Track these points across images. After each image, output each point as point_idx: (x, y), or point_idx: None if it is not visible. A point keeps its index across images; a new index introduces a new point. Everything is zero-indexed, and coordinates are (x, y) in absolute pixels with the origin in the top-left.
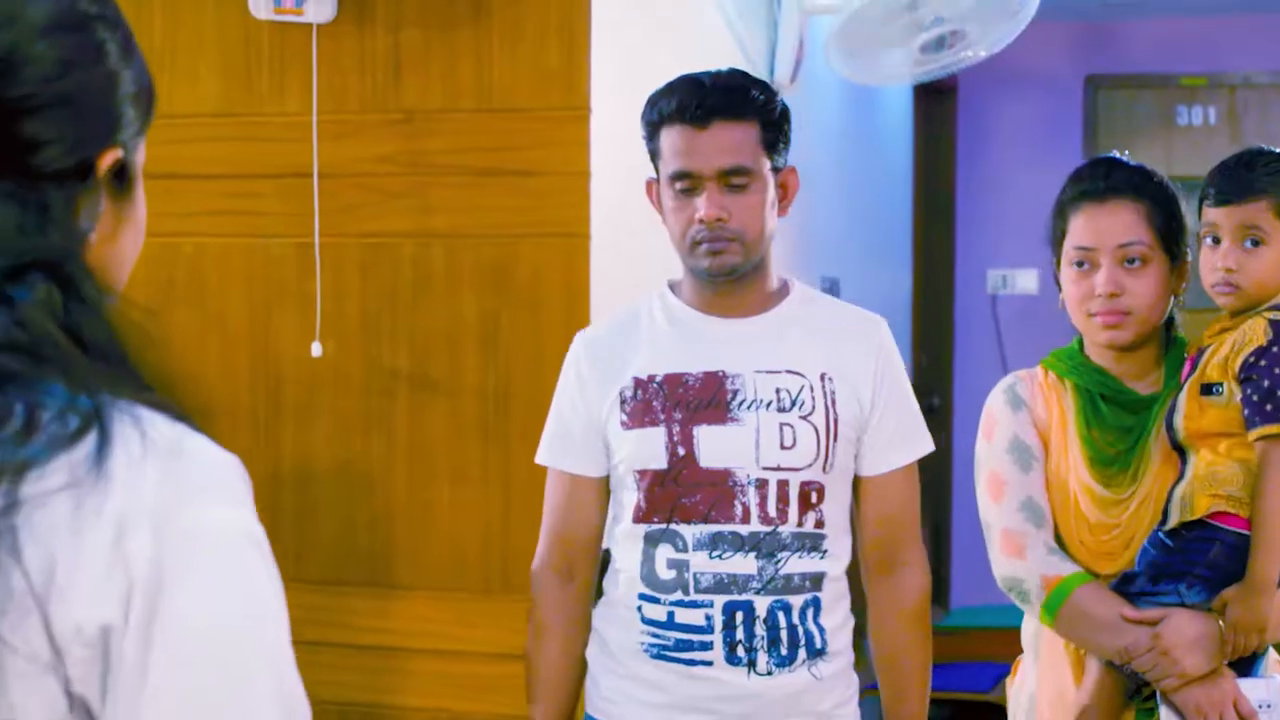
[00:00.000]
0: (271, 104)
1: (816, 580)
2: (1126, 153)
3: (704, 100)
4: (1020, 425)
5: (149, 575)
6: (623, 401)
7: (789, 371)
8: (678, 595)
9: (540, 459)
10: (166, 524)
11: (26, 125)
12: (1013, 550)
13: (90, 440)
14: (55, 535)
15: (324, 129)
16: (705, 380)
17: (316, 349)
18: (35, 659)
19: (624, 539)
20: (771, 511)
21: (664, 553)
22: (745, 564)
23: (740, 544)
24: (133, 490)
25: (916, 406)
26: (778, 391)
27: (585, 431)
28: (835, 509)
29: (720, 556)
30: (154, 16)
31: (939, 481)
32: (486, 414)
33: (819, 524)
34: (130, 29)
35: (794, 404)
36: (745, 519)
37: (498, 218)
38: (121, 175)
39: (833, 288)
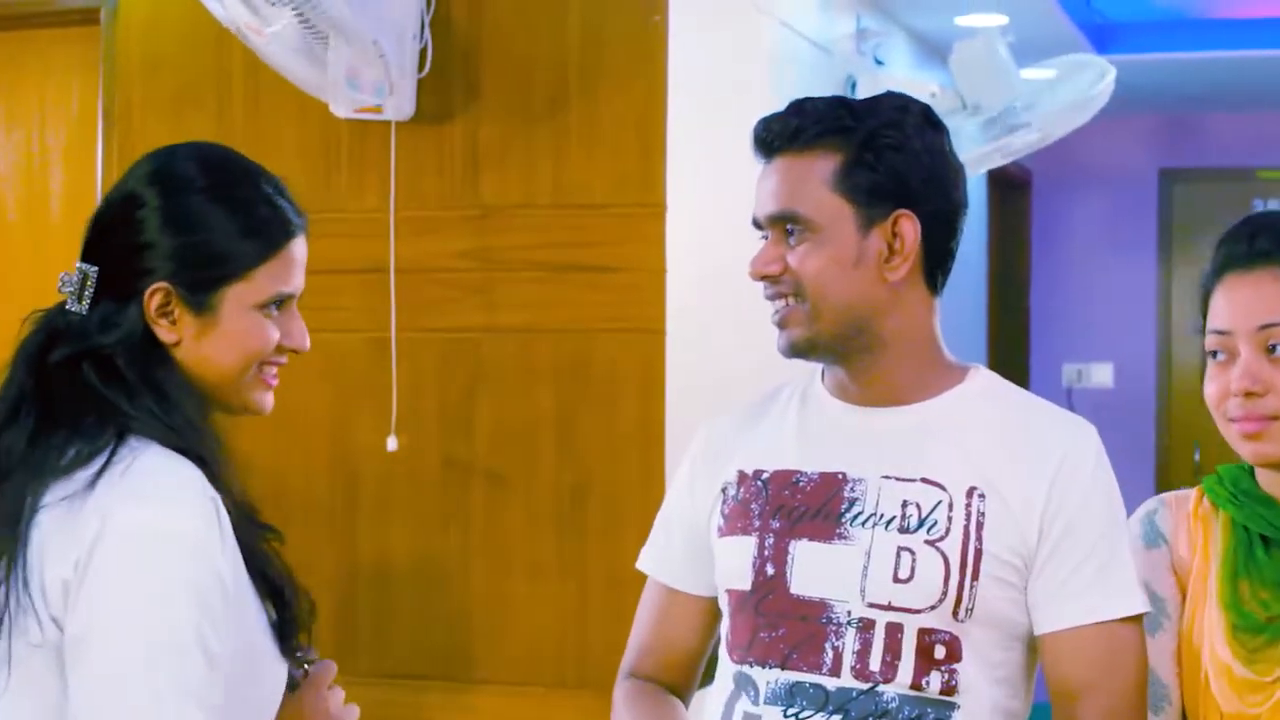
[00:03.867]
0: (350, 200)
1: None
2: None
3: (771, 124)
4: (1154, 569)
5: (90, 550)
6: (724, 500)
7: (925, 481)
8: None
9: (639, 564)
10: (109, 519)
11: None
12: None
13: (97, 465)
14: (52, 527)
15: (402, 225)
16: (820, 483)
17: (392, 443)
18: (34, 603)
19: (718, 679)
20: (873, 664)
21: (741, 705)
22: None
23: (823, 702)
24: (102, 499)
25: (1120, 548)
26: (904, 505)
27: (690, 536)
28: (981, 672)
29: (796, 716)
30: (235, 113)
31: None
32: (562, 508)
33: (948, 689)
34: (193, 204)
35: (921, 524)
36: (835, 670)
37: (573, 313)
38: (191, 292)
39: None
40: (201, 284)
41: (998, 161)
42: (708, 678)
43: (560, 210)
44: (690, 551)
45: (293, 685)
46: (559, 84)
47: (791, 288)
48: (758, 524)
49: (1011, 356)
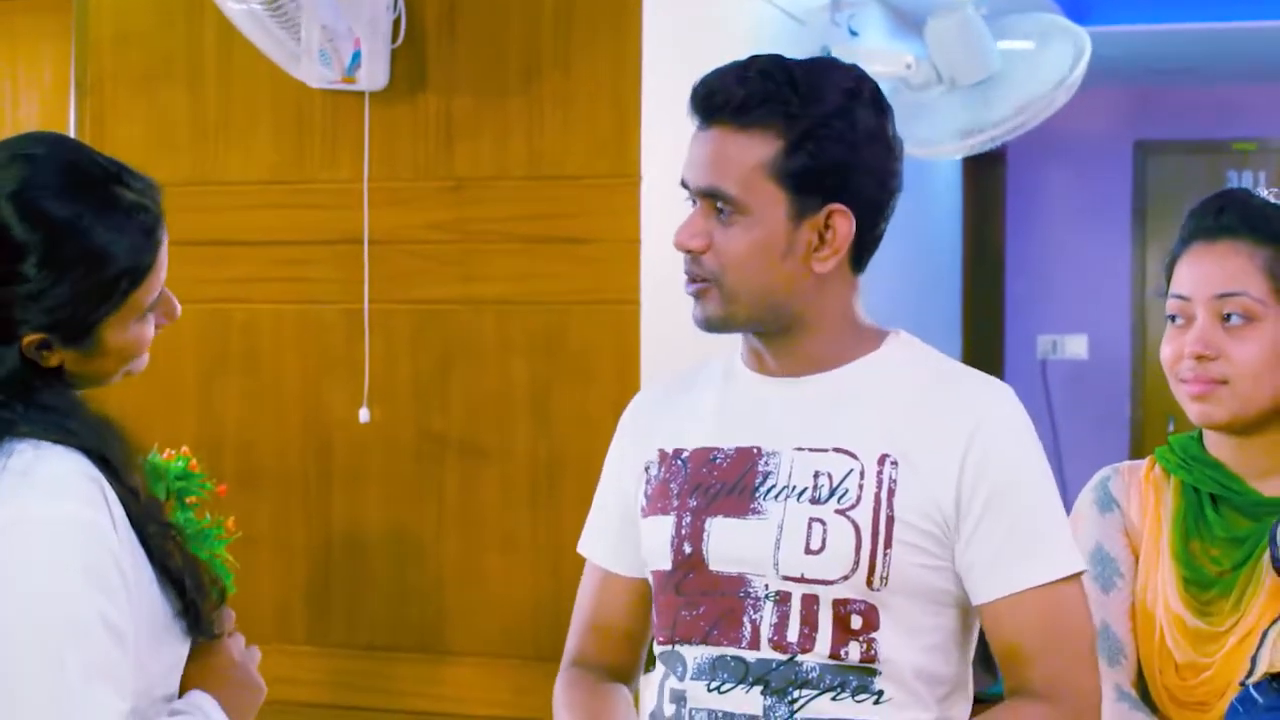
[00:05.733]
0: (324, 171)
1: None
2: (1273, 191)
3: (713, 89)
4: (1107, 532)
5: None
6: (647, 480)
7: (837, 450)
8: None
9: (579, 547)
10: None
11: None
12: None
13: None
14: None
15: (375, 196)
16: (736, 459)
17: (364, 415)
18: None
19: (657, 662)
20: (790, 635)
21: (669, 683)
22: (748, 701)
23: (743, 673)
24: None
25: (1051, 508)
26: (815, 476)
27: (622, 517)
28: (904, 640)
29: (719, 690)
30: (208, 84)
31: None
32: (537, 481)
33: (868, 659)
34: (70, 251)
35: (833, 494)
36: (754, 643)
37: (548, 285)
38: (68, 340)
39: None
40: (80, 331)
41: (978, 148)
42: (652, 663)
43: (534, 181)
44: (622, 533)
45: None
46: (533, 55)
47: (710, 269)
48: (676, 503)
49: (986, 328)
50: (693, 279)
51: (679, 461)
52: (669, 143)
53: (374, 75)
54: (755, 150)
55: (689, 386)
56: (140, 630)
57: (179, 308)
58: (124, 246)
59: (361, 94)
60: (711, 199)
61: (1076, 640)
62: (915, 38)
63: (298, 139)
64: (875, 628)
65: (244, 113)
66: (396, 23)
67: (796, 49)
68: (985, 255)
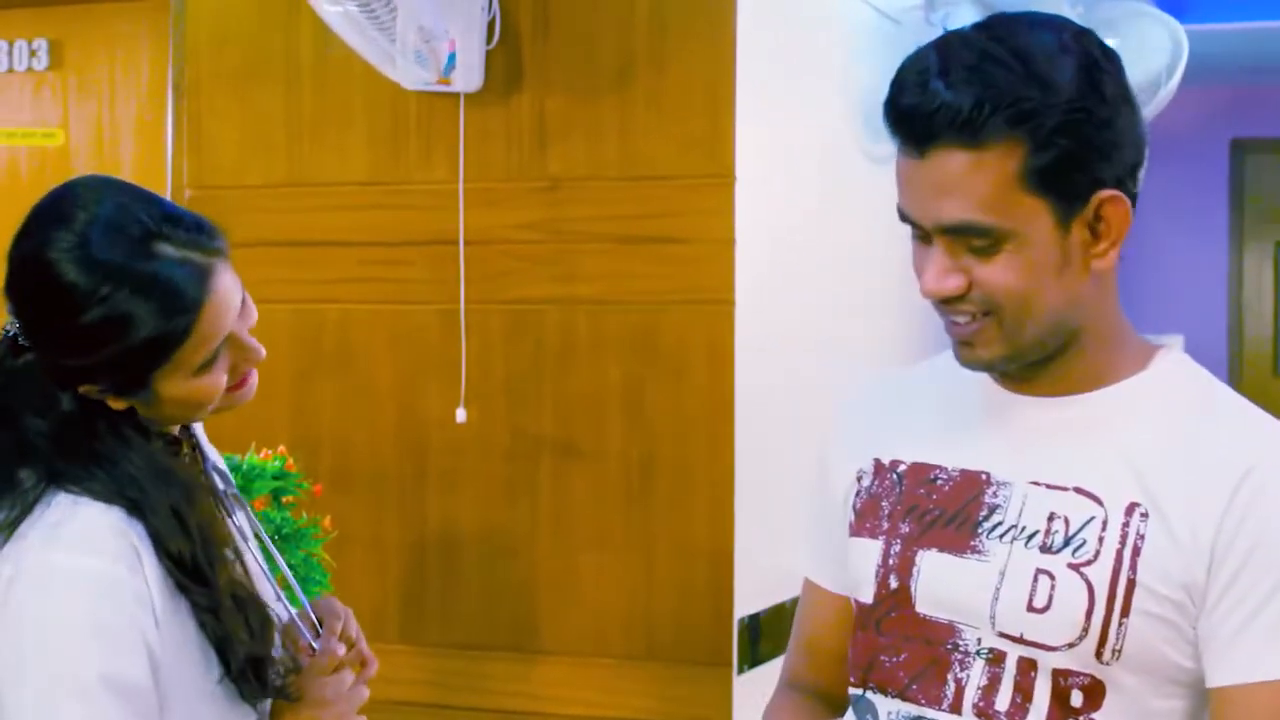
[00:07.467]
0: (419, 172)
1: None
2: None
3: (919, 109)
4: None
5: (3, 595)
6: (857, 492)
7: (1078, 491)
8: None
9: (794, 553)
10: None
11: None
12: None
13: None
14: None
15: (470, 197)
16: (960, 482)
17: (461, 415)
18: None
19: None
20: (999, 703)
21: None
22: None
23: None
24: (17, 545)
25: None
26: (1051, 519)
27: (825, 526)
28: None
29: None
30: (304, 86)
31: None
32: (631, 481)
33: None
34: (123, 309)
35: (1067, 543)
36: (956, 706)
37: (642, 285)
38: (122, 392)
39: None
40: (132, 385)
41: None
42: None
43: (628, 181)
44: (828, 544)
45: (296, 669)
46: (626, 55)
47: (981, 305)
48: (886, 526)
49: None
50: (964, 322)
51: (894, 475)
52: (764, 142)
53: (469, 77)
54: (1001, 164)
55: (916, 386)
56: (183, 691)
57: (262, 351)
58: (149, 310)
59: (457, 95)
60: (962, 235)
61: None
62: None
63: (393, 140)
64: (1098, 707)
65: (340, 114)
66: (491, 24)
67: (891, 48)
68: None
